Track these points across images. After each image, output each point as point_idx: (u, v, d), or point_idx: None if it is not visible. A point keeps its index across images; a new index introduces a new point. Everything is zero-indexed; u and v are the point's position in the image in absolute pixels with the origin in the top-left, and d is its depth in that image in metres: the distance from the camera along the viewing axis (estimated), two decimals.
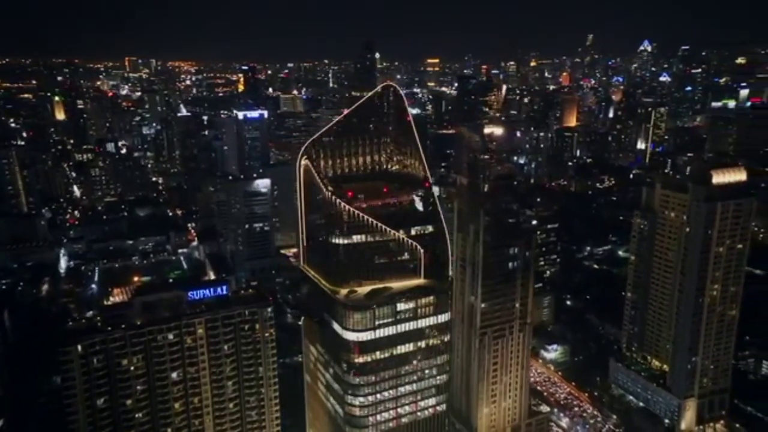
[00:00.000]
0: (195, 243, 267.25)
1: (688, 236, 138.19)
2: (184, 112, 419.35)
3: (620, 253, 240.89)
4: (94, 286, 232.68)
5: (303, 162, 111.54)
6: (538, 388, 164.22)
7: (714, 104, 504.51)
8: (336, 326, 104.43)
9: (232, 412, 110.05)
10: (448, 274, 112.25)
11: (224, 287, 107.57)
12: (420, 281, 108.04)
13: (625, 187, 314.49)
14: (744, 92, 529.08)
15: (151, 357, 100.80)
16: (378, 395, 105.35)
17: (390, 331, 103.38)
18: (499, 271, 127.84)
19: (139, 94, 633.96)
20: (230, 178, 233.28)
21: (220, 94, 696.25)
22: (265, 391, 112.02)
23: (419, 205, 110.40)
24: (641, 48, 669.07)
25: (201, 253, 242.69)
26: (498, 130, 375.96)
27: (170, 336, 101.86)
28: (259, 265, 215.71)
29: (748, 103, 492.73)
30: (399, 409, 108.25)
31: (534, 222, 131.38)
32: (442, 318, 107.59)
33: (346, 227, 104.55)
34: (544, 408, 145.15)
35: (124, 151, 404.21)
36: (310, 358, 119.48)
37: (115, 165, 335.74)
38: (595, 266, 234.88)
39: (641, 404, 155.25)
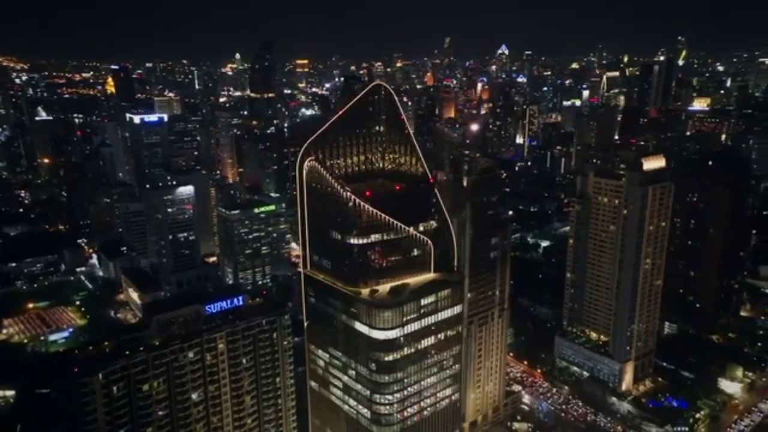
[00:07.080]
0: (94, 260, 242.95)
1: (626, 217, 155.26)
2: (44, 115, 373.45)
3: (529, 239, 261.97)
4: None
5: (308, 163, 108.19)
6: None
7: (565, 103, 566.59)
8: (360, 326, 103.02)
9: (251, 428, 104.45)
10: (455, 266, 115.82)
11: (240, 298, 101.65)
12: (433, 275, 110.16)
13: (515, 179, 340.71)
14: (586, 93, 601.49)
15: (173, 378, 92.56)
16: (404, 391, 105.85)
17: (415, 326, 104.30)
18: (483, 261, 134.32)
19: None
20: (147, 186, 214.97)
21: (66, 96, 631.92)
22: (282, 401, 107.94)
23: (424, 201, 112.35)
24: (500, 51, 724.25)
25: (110, 271, 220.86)
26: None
27: (191, 354, 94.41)
28: (185, 276, 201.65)
29: (588, 103, 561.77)
30: (421, 403, 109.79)
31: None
32: (457, 309, 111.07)
33: (363, 227, 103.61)
34: (516, 387, 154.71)
35: None
36: (319, 364, 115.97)
37: None
38: (510, 253, 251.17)
39: (585, 373, 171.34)
